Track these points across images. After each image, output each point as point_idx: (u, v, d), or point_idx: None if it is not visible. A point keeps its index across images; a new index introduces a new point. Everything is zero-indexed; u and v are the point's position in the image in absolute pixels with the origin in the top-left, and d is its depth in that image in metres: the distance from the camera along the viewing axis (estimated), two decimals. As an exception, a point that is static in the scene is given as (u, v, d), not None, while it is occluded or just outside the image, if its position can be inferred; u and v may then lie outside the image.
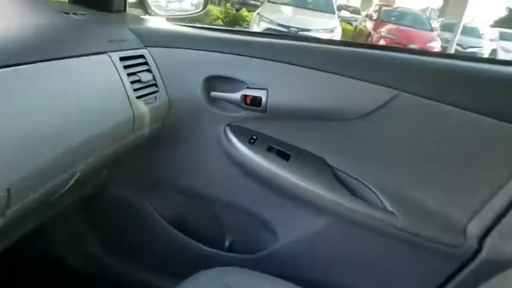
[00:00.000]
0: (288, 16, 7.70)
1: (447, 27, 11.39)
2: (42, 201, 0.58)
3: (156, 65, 0.85)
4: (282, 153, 0.89)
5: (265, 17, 7.46)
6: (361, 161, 0.87)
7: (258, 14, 7.76)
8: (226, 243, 1.05)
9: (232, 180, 0.95)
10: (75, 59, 0.66)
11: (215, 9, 9.93)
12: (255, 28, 7.56)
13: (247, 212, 0.98)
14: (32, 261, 1.09)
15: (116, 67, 0.73)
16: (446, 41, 9.83)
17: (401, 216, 0.81)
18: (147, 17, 1.02)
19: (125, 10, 0.99)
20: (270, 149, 0.89)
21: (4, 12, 0.69)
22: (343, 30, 9.44)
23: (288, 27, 7.22)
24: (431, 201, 0.82)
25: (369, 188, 0.86)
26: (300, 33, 7.11)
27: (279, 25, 7.23)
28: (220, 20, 9.74)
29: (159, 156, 0.97)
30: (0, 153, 0.47)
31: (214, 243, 1.05)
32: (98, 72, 0.70)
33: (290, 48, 0.87)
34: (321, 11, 8.02)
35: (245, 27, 9.24)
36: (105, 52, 0.72)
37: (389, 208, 0.82)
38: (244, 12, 10.07)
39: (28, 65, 0.55)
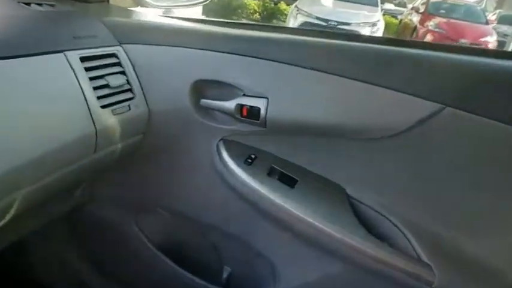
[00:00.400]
0: (327, 9, 7.36)
1: (505, 20, 10.41)
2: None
3: (133, 66, 0.70)
4: (287, 178, 0.71)
5: (303, 10, 7.18)
6: (389, 192, 0.67)
7: (296, 6, 7.49)
8: (224, 276, 0.89)
9: (228, 206, 0.78)
10: (22, 59, 0.53)
11: (253, 3, 9.74)
12: (291, 22, 7.32)
13: (245, 244, 0.81)
14: (15, 284, 0.99)
15: (73, 69, 0.58)
16: (504, 35, 9.00)
17: (439, 271, 0.60)
18: (133, 8, 0.87)
19: (108, 1, 0.85)
20: (271, 172, 0.71)
21: None
22: (387, 25, 8.93)
23: (327, 20, 6.90)
24: (482, 253, 0.61)
25: (398, 229, 0.66)
26: (340, 27, 6.78)
27: (317, 18, 6.93)
28: (257, 13, 9.57)
29: (141, 174, 0.82)
30: None
31: (210, 275, 0.89)
32: (50, 75, 0.56)
33: (299, 46, 0.67)
34: (363, 4, 7.59)
35: (283, 21, 9.01)
36: (61, 51, 0.58)
37: (424, 258, 0.62)
38: (282, 5, 9.81)
39: None
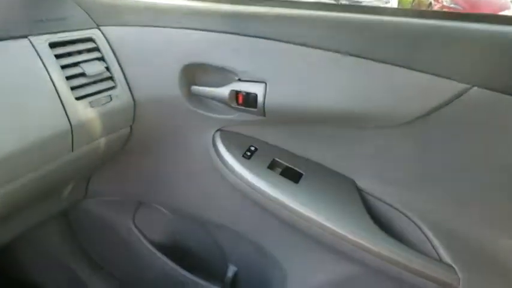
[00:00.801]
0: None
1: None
2: None
3: (113, 52, 0.62)
4: (290, 172, 0.63)
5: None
6: (406, 184, 0.59)
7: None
8: (229, 275, 0.83)
9: (228, 202, 0.71)
10: None
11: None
12: None
13: (251, 242, 0.74)
14: (11, 284, 0.95)
15: (39, 56, 0.51)
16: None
17: (464, 274, 0.53)
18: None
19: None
20: (273, 166, 0.64)
21: None
22: (400, 0, 8.60)
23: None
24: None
25: (416, 226, 0.58)
26: (351, 4, 6.54)
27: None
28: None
29: (135, 169, 0.76)
30: None
31: (213, 274, 0.83)
32: (13, 63, 0.49)
33: (301, 22, 0.58)
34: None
35: None
36: (25, 36, 0.51)
37: (447, 260, 0.54)
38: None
39: None
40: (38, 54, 0.51)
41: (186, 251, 0.86)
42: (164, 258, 0.84)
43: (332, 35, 0.55)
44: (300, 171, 0.63)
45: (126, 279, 0.93)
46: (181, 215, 0.81)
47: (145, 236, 0.84)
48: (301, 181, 0.62)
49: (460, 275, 0.53)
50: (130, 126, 0.66)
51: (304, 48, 0.55)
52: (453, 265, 0.54)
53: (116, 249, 0.90)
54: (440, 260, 0.55)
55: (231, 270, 0.83)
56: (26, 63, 0.50)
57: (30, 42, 0.51)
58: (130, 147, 0.70)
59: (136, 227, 0.84)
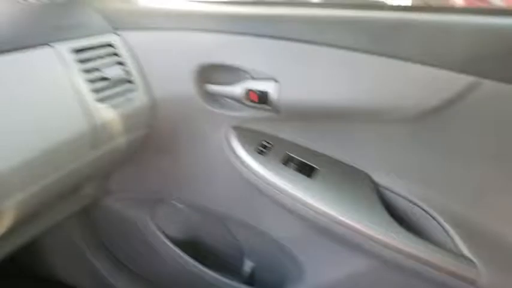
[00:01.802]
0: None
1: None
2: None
3: (132, 55, 0.65)
4: (305, 167, 0.64)
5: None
6: (423, 178, 0.59)
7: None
8: (246, 270, 0.85)
9: (244, 197, 0.73)
10: (14, 54, 0.49)
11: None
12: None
13: (268, 237, 0.76)
14: (34, 281, 1.00)
15: (62, 62, 0.54)
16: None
17: (484, 268, 0.53)
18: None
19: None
20: (287, 161, 0.65)
21: None
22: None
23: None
24: None
25: (435, 220, 0.59)
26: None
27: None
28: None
29: (154, 166, 0.78)
30: None
31: (230, 269, 0.85)
32: (37, 70, 0.52)
33: (310, 21, 0.59)
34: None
35: None
36: (49, 43, 0.54)
37: (466, 253, 0.54)
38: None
39: None
40: (61, 60, 0.54)
41: (203, 246, 0.88)
42: (182, 254, 0.86)
43: (342, 33, 0.56)
44: (314, 166, 0.64)
45: (146, 275, 0.96)
46: (199, 211, 0.83)
47: (163, 232, 0.87)
48: (315, 176, 0.63)
49: (480, 269, 0.53)
50: (149, 126, 0.69)
51: (314, 46, 0.57)
52: (473, 259, 0.54)
53: (135, 245, 0.93)
54: (459, 254, 0.55)
55: (248, 265, 0.85)
56: (50, 69, 0.53)
57: (53, 48, 0.54)
58: (149, 146, 0.73)
59: (154, 223, 0.87)
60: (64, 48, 0.55)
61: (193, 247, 0.87)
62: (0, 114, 0.46)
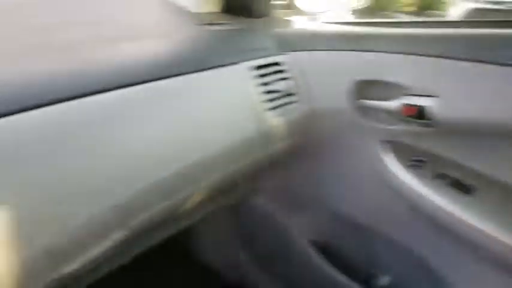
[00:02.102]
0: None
1: None
2: (166, 215, 0.58)
3: (297, 72, 0.74)
4: (461, 184, 0.63)
5: (470, -5, 6.23)
6: None
7: (460, -8, 6.56)
8: (383, 283, 0.85)
9: (392, 212, 0.74)
10: (208, 71, 0.63)
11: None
12: (454, 11, 6.43)
13: (412, 255, 0.75)
14: (179, 262, 1.16)
15: (246, 77, 0.66)
16: None
17: None
18: (292, 18, 0.92)
19: (269, 15, 0.92)
20: (442, 177, 0.65)
21: (146, 28, 0.72)
22: None
23: (502, 2, 5.80)
24: None
25: None
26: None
27: (488, 2, 5.90)
28: (410, 6, 8.75)
29: (304, 172, 0.86)
30: (123, 167, 0.47)
31: (368, 280, 0.86)
32: (228, 83, 0.65)
33: (472, 41, 0.59)
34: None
35: (441, 13, 8.02)
36: (237, 62, 0.67)
37: None
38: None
39: (164, 80, 0.55)
40: (245, 75, 0.66)
41: (341, 254, 0.91)
42: (322, 260, 0.91)
43: (500, 51, 0.54)
44: (471, 183, 0.62)
45: (283, 275, 1.04)
46: (342, 219, 0.87)
47: (306, 237, 0.93)
48: (473, 193, 0.61)
49: None
50: (305, 134, 0.77)
51: (480, 64, 0.56)
52: None
53: (276, 245, 1.02)
54: None
55: (385, 280, 0.85)
56: (237, 82, 0.65)
57: (242, 66, 0.66)
58: (301, 152, 0.81)
59: (297, 226, 0.94)
60: (247, 66, 0.67)
61: (331, 253, 0.92)
62: (198, 112, 0.58)
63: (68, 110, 0.44)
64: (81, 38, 0.58)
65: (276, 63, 0.72)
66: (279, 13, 0.93)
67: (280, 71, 0.72)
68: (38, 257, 0.41)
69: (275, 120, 0.68)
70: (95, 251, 0.47)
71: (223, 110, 0.62)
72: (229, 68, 0.66)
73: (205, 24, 0.77)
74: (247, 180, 0.89)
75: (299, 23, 0.91)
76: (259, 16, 0.90)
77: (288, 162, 0.85)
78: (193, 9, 0.87)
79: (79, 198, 0.43)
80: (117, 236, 0.49)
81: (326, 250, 0.92)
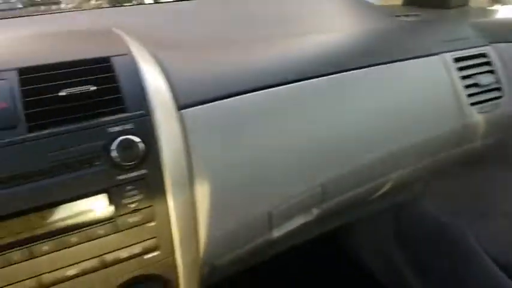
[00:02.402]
0: None
1: None
2: (354, 202, 0.59)
3: (503, 65, 0.67)
4: None
5: None
6: None
7: None
8: None
9: None
10: (404, 62, 0.62)
11: None
12: None
13: None
14: (333, 258, 1.16)
15: (447, 69, 0.63)
16: None
17: None
18: (494, 8, 0.83)
19: (467, 4, 0.85)
20: None
21: (336, 19, 0.74)
22: None
23: None
24: None
25: None
26: None
27: None
28: None
29: (489, 177, 0.77)
30: (321, 152, 0.50)
31: None
32: (427, 75, 0.62)
33: None
34: None
35: None
36: (436, 53, 0.64)
37: None
38: None
39: (358, 70, 0.56)
40: (446, 67, 0.63)
41: None
42: (499, 273, 0.80)
43: None
44: None
45: (450, 286, 0.95)
46: None
47: (483, 247, 0.84)
48: None
49: None
50: (506, 134, 0.69)
51: None
52: None
53: (443, 253, 0.93)
54: None
55: None
56: (437, 74, 0.62)
57: (441, 57, 0.63)
58: (494, 153, 0.73)
59: (474, 235, 0.85)
60: (448, 58, 0.63)
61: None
62: (394, 103, 0.57)
63: (287, 92, 0.49)
64: (277, 33, 0.63)
65: (481, 55, 0.66)
66: (478, 2, 0.85)
67: (485, 64, 0.66)
68: (234, 230, 0.45)
69: (477, 116, 0.63)
70: (276, 233, 0.51)
71: (424, 102, 0.60)
72: (428, 59, 0.63)
73: (396, 16, 0.76)
74: (426, 179, 0.84)
75: (501, 13, 0.82)
76: (453, 6, 0.84)
77: (470, 163, 0.77)
78: (376, 3, 0.87)
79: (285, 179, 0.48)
80: (306, 217, 0.53)
81: (509, 268, 0.81)
